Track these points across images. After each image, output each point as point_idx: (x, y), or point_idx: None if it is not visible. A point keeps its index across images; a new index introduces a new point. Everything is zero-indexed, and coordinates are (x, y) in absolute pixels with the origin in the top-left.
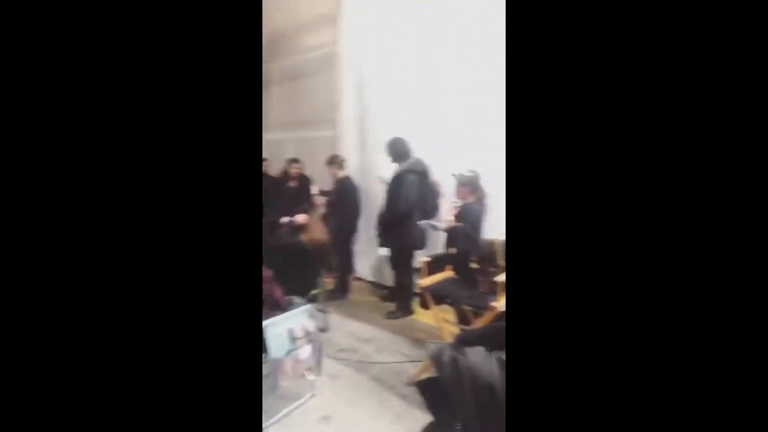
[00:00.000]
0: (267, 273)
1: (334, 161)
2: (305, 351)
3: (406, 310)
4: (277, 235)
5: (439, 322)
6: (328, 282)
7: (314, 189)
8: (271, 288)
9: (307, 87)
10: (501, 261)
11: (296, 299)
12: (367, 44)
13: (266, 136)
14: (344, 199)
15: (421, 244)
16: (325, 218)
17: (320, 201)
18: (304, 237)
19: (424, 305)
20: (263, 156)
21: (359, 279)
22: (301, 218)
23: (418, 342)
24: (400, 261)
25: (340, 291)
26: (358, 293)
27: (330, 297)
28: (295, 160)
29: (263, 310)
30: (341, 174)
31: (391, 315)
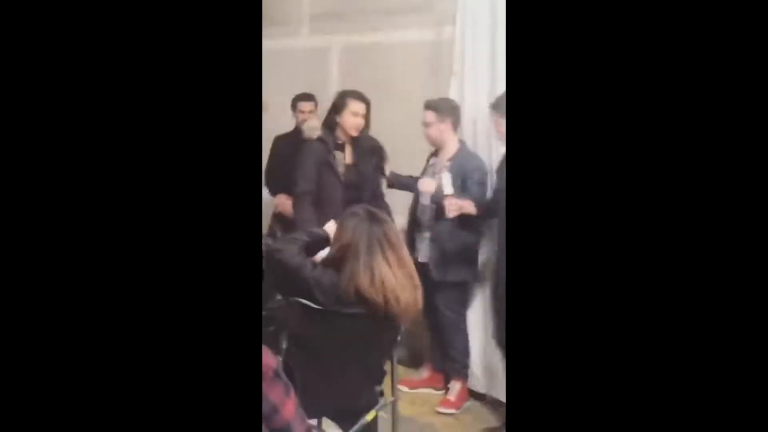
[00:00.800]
0: (270, 362)
1: None
2: None
3: None
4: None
5: None
6: (406, 386)
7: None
8: (278, 396)
9: None
10: None
11: (330, 427)
12: None
13: (289, 41)
14: None
15: None
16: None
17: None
18: (349, 284)
19: None
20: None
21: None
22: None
23: None
24: None
25: None
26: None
27: None
28: (357, 97)
29: None
30: None
31: None
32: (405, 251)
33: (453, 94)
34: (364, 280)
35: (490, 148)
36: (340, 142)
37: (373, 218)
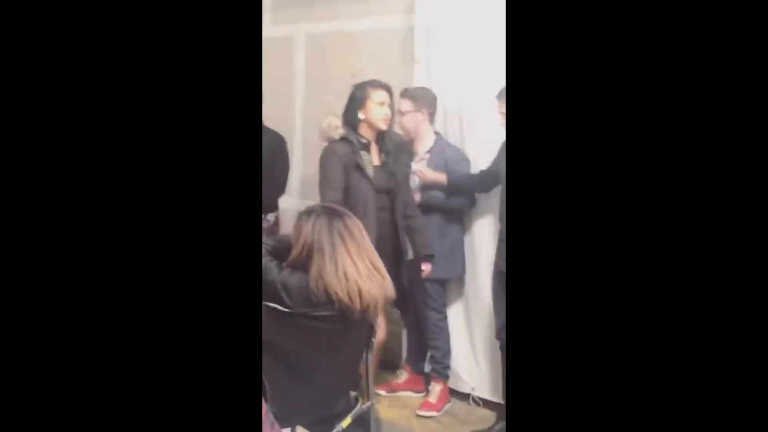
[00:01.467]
0: None
1: None
2: None
3: None
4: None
5: None
6: (384, 390)
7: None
8: None
9: None
10: None
11: None
12: None
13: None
14: None
15: None
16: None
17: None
18: (318, 284)
19: None
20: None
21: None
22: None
23: None
24: None
25: None
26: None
27: None
28: (378, 86)
29: None
30: None
31: None
32: (367, 242)
33: (417, 83)
34: (331, 277)
35: (463, 139)
36: (364, 141)
37: (331, 213)
